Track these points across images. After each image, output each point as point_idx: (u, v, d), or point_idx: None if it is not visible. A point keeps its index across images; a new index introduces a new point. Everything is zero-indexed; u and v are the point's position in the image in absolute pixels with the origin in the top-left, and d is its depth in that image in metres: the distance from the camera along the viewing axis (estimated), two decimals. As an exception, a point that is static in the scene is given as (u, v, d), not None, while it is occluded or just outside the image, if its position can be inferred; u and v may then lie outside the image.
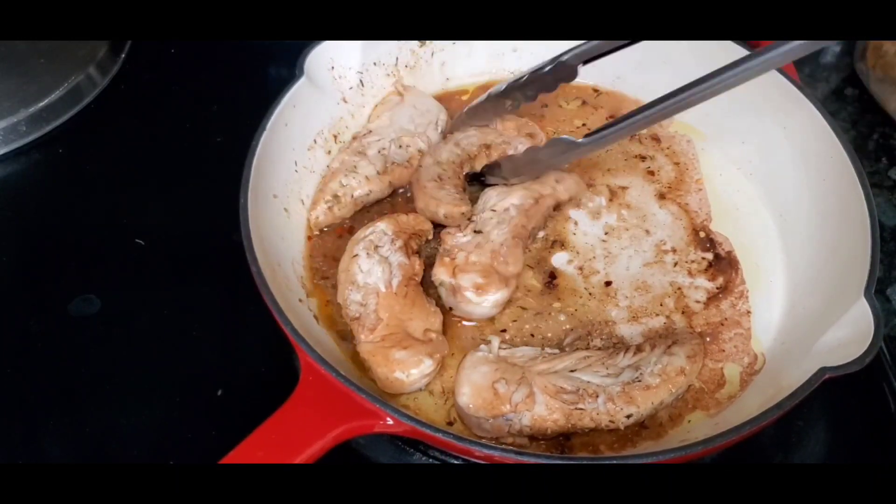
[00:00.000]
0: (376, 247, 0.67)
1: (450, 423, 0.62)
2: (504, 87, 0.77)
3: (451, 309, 0.68)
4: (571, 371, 0.62)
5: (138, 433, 0.63)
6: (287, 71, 0.74)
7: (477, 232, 0.70)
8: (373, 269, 0.66)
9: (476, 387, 0.60)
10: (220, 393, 0.65)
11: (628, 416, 0.60)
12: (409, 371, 0.61)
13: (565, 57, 0.72)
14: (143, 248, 0.76)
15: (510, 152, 0.77)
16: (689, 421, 0.63)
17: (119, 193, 0.81)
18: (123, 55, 0.95)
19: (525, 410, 0.59)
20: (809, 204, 0.73)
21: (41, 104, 0.85)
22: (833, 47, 1.04)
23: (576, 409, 0.59)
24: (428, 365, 0.62)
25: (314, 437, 0.52)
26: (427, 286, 0.69)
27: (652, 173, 0.81)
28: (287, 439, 0.51)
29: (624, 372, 0.62)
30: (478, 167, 0.78)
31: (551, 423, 0.59)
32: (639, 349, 0.64)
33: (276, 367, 0.68)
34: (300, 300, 0.65)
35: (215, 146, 0.85)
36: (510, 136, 0.81)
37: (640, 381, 0.61)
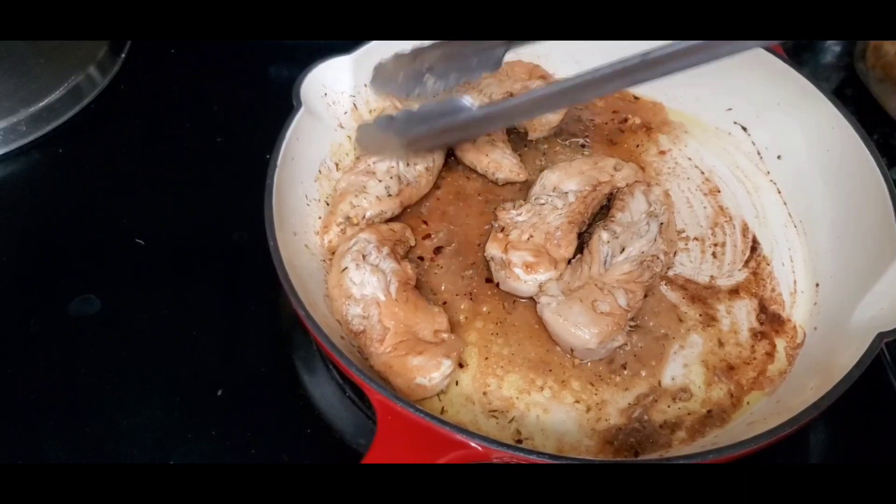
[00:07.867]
0: (364, 256, 0.66)
1: (518, 441, 0.60)
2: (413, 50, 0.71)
3: (497, 284, 0.70)
4: (622, 254, 0.68)
5: (138, 433, 0.63)
6: (287, 72, 0.73)
7: (533, 213, 0.72)
8: (366, 279, 0.64)
9: (588, 322, 0.62)
10: (220, 393, 0.65)
11: (675, 254, 0.72)
12: (430, 375, 0.60)
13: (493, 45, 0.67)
14: (143, 248, 0.75)
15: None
16: (748, 402, 0.64)
17: (119, 193, 0.81)
18: (123, 55, 0.95)
19: (636, 302, 0.65)
20: (821, 180, 0.75)
21: (41, 104, 0.85)
22: (833, 47, 1.04)
23: (650, 279, 0.67)
24: (447, 366, 0.61)
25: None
26: (423, 290, 0.68)
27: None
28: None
29: (649, 224, 0.70)
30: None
31: (639, 300, 0.65)
32: (620, 198, 0.73)
33: (276, 367, 0.68)
34: (342, 336, 0.63)
35: (215, 146, 0.85)
36: (525, 80, 0.82)
37: (661, 222, 0.71)
